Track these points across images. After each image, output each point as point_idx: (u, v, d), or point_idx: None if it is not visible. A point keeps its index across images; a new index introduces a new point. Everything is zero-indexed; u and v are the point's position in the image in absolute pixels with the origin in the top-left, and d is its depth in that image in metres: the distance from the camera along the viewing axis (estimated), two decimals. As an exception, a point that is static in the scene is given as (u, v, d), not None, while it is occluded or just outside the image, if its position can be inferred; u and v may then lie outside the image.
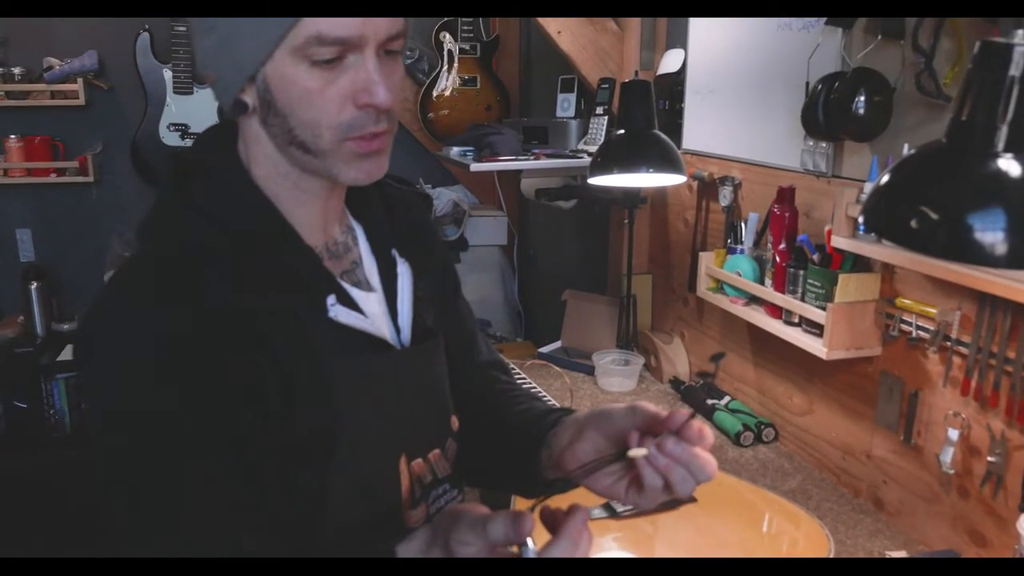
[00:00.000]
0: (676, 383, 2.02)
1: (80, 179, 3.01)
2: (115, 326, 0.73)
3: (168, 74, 2.88)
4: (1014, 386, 1.18)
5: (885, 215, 0.81)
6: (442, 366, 0.93)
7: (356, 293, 0.84)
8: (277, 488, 0.74)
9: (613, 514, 1.19)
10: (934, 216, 0.76)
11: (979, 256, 0.75)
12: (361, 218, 0.91)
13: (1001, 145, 0.75)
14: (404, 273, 0.91)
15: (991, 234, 0.74)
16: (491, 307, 3.12)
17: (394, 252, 0.91)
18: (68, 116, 3.00)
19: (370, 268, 0.89)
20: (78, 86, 2.91)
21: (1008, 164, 0.75)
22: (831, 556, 1.11)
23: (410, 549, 0.67)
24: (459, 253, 3.12)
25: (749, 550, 1.17)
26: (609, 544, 1.13)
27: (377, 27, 0.73)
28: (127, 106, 3.02)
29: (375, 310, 0.86)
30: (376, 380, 0.83)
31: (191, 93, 2.90)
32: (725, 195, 1.85)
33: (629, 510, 1.20)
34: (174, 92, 2.89)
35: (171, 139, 2.91)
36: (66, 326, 3.08)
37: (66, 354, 2.96)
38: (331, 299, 0.80)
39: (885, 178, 0.82)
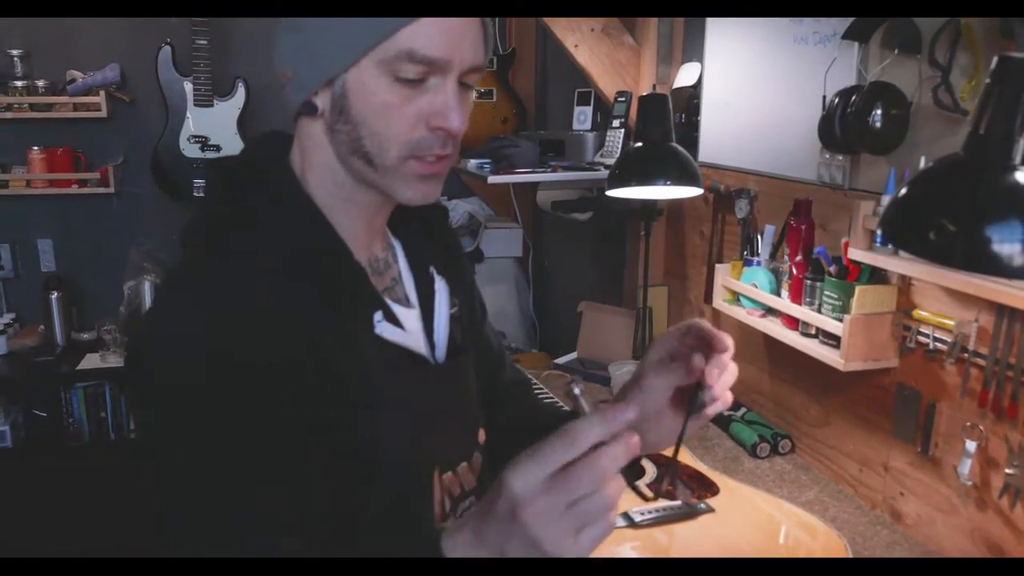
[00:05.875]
0: (692, 394, 2.02)
1: (101, 190, 3.05)
2: (167, 336, 0.73)
3: (189, 86, 2.92)
4: (1032, 398, 1.18)
5: (904, 227, 0.82)
6: (473, 380, 0.95)
7: (398, 309, 0.85)
8: (324, 498, 0.74)
9: (631, 523, 1.20)
10: (952, 228, 0.77)
11: (997, 267, 0.76)
12: (399, 235, 0.91)
13: (1018, 158, 0.76)
14: (441, 290, 0.92)
15: (1009, 245, 0.75)
16: (506, 319, 3.13)
17: (432, 269, 0.92)
18: (90, 128, 3.05)
19: (409, 284, 0.90)
20: (100, 98, 2.96)
21: (1026, 177, 0.76)
22: (849, 566, 1.11)
23: (462, 536, 0.64)
24: (474, 265, 3.14)
25: (760, 552, 1.17)
26: (627, 553, 1.14)
27: (463, 55, 0.74)
28: (148, 118, 3.06)
29: (414, 326, 0.87)
30: (415, 395, 0.84)
31: (211, 105, 2.94)
32: (741, 207, 1.86)
33: (647, 519, 1.21)
34: (195, 104, 2.93)
35: (191, 151, 2.95)
36: (85, 335, 3.12)
37: (85, 363, 3.00)
38: (378, 315, 0.81)
39: (903, 191, 0.83)
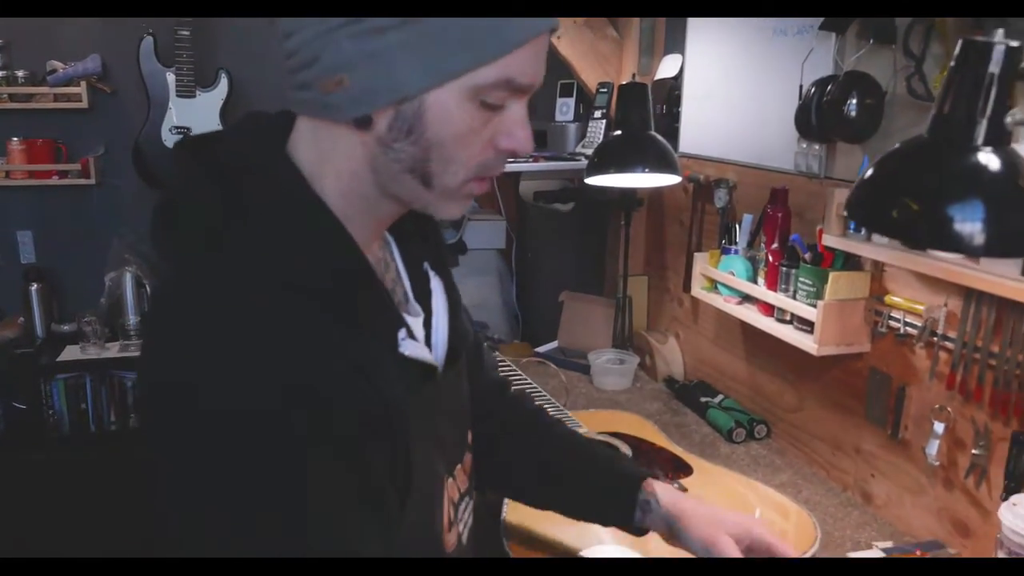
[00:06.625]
0: (671, 382, 2.05)
1: (82, 181, 3.05)
2: (198, 363, 0.64)
3: (171, 77, 2.91)
4: (997, 379, 1.21)
5: (869, 207, 0.85)
6: (466, 382, 0.92)
7: (410, 320, 0.79)
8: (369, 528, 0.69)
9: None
10: (915, 207, 0.80)
11: (958, 245, 0.79)
12: (392, 230, 0.83)
13: (980, 139, 0.79)
14: (437, 289, 0.86)
15: (970, 225, 0.78)
16: (489, 310, 3.15)
17: (426, 266, 0.87)
18: (71, 119, 3.04)
19: (407, 284, 0.84)
20: (81, 89, 2.95)
21: (987, 158, 0.79)
22: (817, 544, 1.14)
23: None
24: (457, 257, 3.15)
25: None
26: (600, 531, 1.16)
27: (542, 78, 0.71)
28: (130, 109, 3.05)
29: (420, 332, 0.82)
30: (429, 407, 0.80)
31: (193, 96, 2.94)
32: (720, 197, 1.88)
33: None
34: (177, 96, 2.93)
35: (173, 142, 2.94)
36: (66, 327, 3.11)
37: (66, 355, 2.99)
38: (402, 333, 0.75)
39: (870, 172, 0.86)
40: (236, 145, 0.74)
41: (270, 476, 0.62)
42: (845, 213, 0.86)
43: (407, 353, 0.75)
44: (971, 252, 0.78)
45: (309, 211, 0.70)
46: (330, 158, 0.71)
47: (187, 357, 0.65)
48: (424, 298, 0.85)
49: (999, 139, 0.78)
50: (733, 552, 0.91)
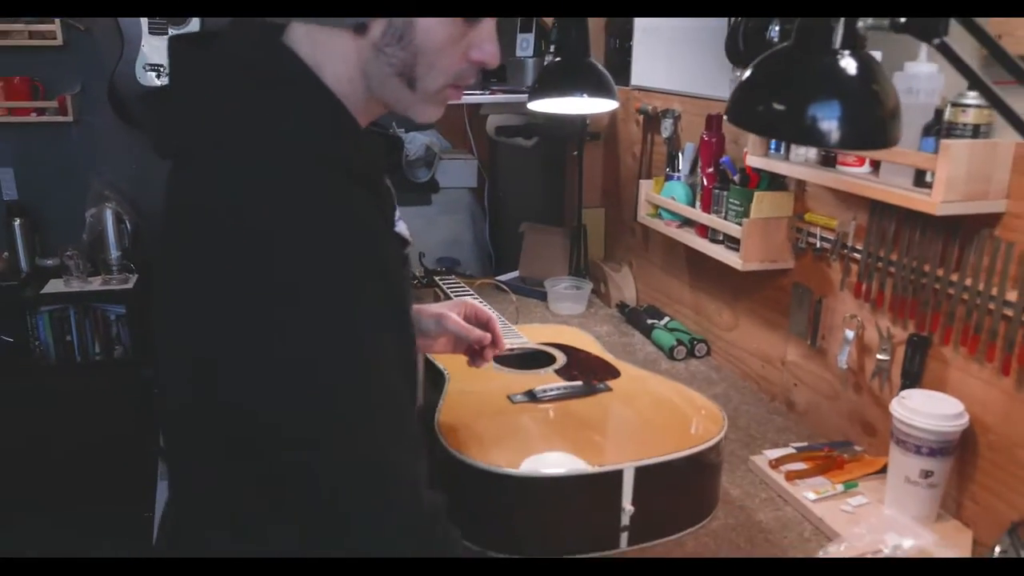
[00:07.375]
0: (622, 307, 2.14)
1: (60, 119, 3.10)
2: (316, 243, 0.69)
3: (144, 15, 2.94)
4: (896, 286, 1.30)
5: (742, 108, 0.92)
6: None
7: None
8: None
9: (533, 399, 1.31)
10: (780, 107, 0.87)
11: (818, 140, 0.86)
12: None
13: (838, 43, 0.86)
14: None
15: (827, 122, 0.86)
16: (461, 247, 3.23)
17: None
18: (46, 56, 3.08)
19: None
20: (55, 26, 2.99)
21: (845, 61, 0.86)
22: (724, 431, 1.23)
23: None
24: (430, 195, 3.22)
25: (646, 420, 1.29)
26: (525, 423, 1.25)
27: None
28: (104, 47, 3.09)
29: None
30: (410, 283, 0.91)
31: (166, 34, 2.97)
32: (666, 127, 1.95)
33: (548, 396, 1.32)
34: (149, 33, 2.96)
35: (147, 79, 2.98)
36: (49, 261, 3.19)
37: (50, 287, 3.08)
38: (397, 213, 0.86)
39: (746, 75, 0.93)
40: (239, 41, 0.79)
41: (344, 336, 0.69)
42: (726, 116, 0.93)
43: (399, 231, 0.88)
44: (829, 146, 0.86)
45: (323, 102, 0.77)
46: (327, 61, 0.77)
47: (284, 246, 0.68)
48: None
49: (854, 43, 0.85)
50: (457, 318, 1.18)
